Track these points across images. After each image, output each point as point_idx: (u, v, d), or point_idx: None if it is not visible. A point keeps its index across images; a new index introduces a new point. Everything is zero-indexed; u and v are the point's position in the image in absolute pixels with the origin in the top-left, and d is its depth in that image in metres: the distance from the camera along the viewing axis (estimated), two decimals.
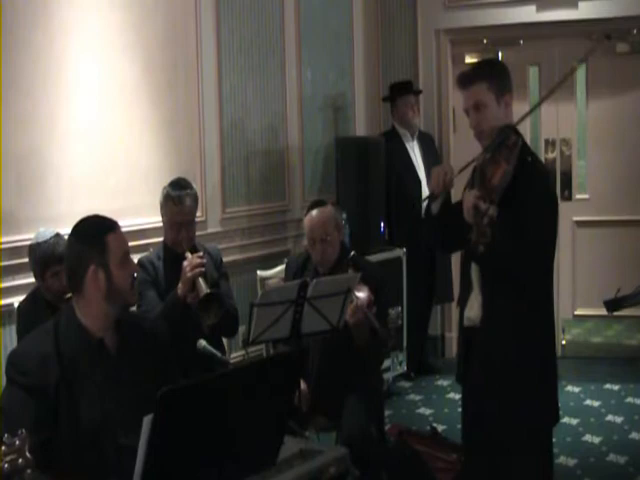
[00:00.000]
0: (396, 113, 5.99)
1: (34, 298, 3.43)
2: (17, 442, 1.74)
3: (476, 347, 2.95)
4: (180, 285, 3.40)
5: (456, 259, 6.41)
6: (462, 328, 3.04)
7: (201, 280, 3.37)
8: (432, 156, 6.06)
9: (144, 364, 2.44)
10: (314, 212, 3.70)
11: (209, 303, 3.34)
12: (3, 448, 1.72)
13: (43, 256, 3.31)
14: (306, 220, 3.73)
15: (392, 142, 5.90)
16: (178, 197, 3.58)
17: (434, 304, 6.22)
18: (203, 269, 3.40)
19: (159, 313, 3.40)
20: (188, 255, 3.47)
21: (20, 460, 1.73)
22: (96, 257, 2.38)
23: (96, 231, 2.42)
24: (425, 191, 5.86)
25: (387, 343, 3.54)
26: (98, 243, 2.38)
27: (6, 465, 1.71)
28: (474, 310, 2.94)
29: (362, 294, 3.38)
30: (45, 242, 3.33)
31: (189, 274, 3.37)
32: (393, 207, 5.86)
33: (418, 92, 6.11)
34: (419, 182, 5.86)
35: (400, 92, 5.97)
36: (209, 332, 3.32)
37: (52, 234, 3.36)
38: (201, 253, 3.51)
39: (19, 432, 1.76)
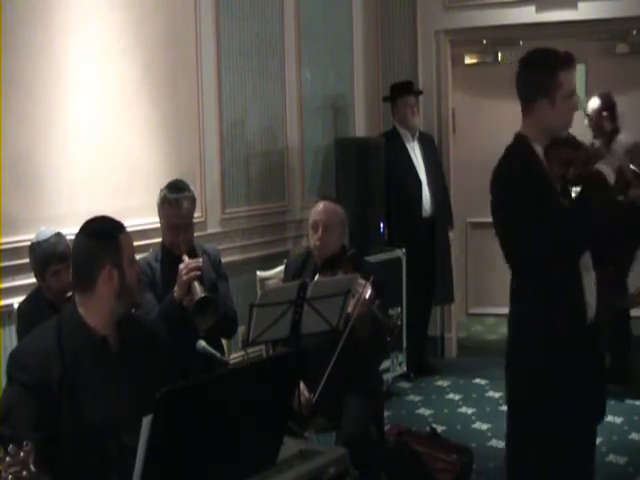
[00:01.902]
0: (396, 113, 6.00)
1: (35, 298, 3.43)
2: (22, 454, 1.74)
3: (592, 347, 2.78)
4: (176, 288, 3.40)
5: (458, 260, 6.47)
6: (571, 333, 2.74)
7: (196, 284, 3.36)
8: (433, 157, 6.07)
9: (145, 363, 2.44)
10: (325, 202, 3.88)
11: (204, 307, 3.34)
12: (7, 459, 1.72)
13: (44, 255, 3.31)
14: (314, 207, 3.86)
15: (393, 142, 5.90)
16: (175, 200, 3.58)
17: (434, 305, 6.23)
18: (199, 273, 3.40)
19: (156, 315, 3.40)
20: (185, 258, 3.46)
21: (24, 472, 1.73)
22: (111, 256, 2.39)
23: (110, 230, 2.44)
24: (426, 191, 5.87)
25: (393, 331, 3.55)
26: (113, 242, 2.41)
27: (10, 477, 1.71)
28: (592, 302, 2.77)
29: (366, 289, 3.41)
30: (46, 241, 3.34)
31: (185, 277, 3.37)
32: (393, 207, 5.86)
33: (418, 93, 6.11)
34: (420, 182, 5.88)
35: (400, 92, 5.97)
36: (206, 333, 3.32)
37: (53, 233, 3.37)
38: (200, 260, 3.50)
39: (24, 444, 1.76)
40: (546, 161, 2.73)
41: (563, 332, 2.72)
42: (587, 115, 5.40)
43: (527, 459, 2.83)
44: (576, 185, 2.78)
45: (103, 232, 2.44)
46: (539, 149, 2.76)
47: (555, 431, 2.75)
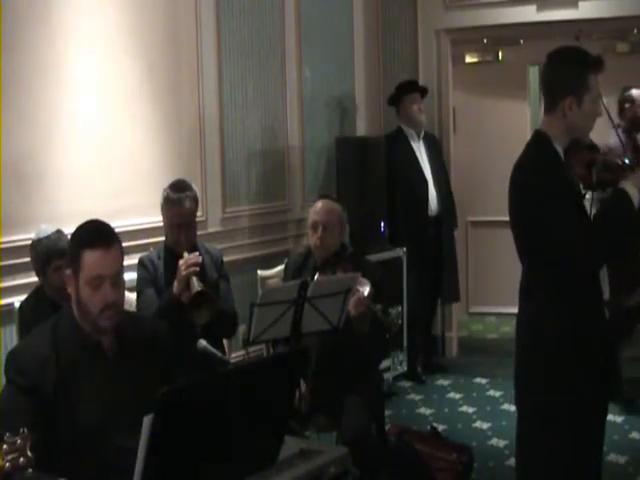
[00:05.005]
0: (403, 112, 5.98)
1: (36, 297, 3.43)
2: (19, 441, 1.74)
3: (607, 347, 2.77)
4: (175, 283, 3.41)
5: (459, 258, 6.45)
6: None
7: (195, 279, 3.37)
8: (437, 156, 6.08)
9: (144, 364, 2.43)
10: (324, 201, 3.86)
11: (200, 302, 3.35)
12: (4, 447, 1.72)
13: (45, 251, 3.33)
14: (313, 206, 3.84)
15: (398, 143, 5.91)
16: (177, 199, 3.59)
17: (440, 304, 6.23)
18: (197, 268, 3.41)
19: (156, 311, 3.41)
20: (185, 254, 3.47)
21: (21, 459, 1.73)
22: (71, 263, 2.38)
23: (80, 240, 2.39)
24: (432, 191, 5.87)
25: (392, 330, 3.55)
26: (74, 252, 2.37)
27: (7, 464, 1.71)
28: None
29: (364, 287, 3.41)
30: (47, 237, 3.35)
31: (184, 272, 3.38)
32: (400, 207, 5.86)
33: (425, 90, 6.09)
34: (426, 182, 5.89)
35: (408, 90, 5.96)
36: (203, 332, 3.32)
37: (53, 230, 3.38)
38: (197, 253, 3.51)
39: (21, 431, 1.76)
40: (568, 163, 2.68)
41: (589, 331, 2.66)
42: None
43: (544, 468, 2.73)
44: (600, 189, 2.76)
45: (75, 237, 2.42)
46: (560, 150, 2.70)
47: (575, 438, 2.68)
